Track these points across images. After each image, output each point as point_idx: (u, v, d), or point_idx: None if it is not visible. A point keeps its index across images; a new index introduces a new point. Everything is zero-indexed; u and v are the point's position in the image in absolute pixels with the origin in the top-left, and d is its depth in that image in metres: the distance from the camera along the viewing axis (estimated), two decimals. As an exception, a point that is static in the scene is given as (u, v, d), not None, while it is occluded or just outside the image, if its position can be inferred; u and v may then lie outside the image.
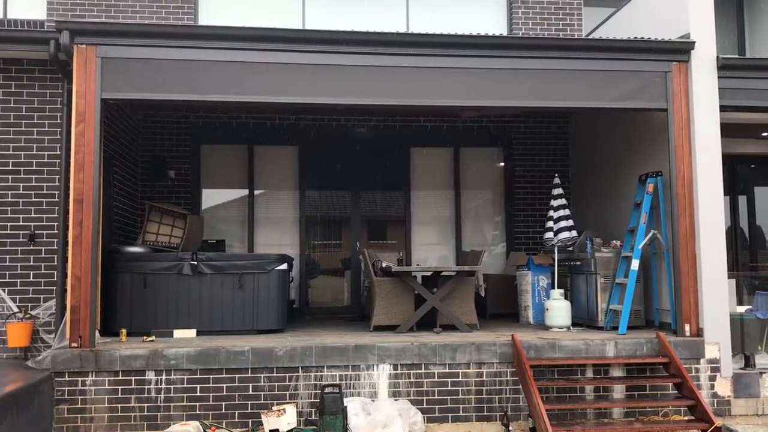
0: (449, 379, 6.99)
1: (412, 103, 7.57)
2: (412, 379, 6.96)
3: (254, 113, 10.74)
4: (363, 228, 11.23)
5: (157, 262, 7.98)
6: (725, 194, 7.77)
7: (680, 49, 7.72)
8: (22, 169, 7.67)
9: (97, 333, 6.95)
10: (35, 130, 7.72)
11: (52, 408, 6.52)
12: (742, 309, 8.14)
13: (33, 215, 7.64)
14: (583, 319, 8.74)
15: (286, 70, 7.28)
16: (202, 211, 10.74)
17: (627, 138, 9.27)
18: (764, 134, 9.28)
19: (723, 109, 7.75)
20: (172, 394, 6.69)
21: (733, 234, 9.70)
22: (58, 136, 7.65)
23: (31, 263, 7.60)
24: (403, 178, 11.17)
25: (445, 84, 7.45)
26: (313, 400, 6.81)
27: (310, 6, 10.87)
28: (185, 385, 6.71)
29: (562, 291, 8.58)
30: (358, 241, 11.08)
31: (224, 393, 6.74)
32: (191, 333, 7.79)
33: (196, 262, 7.96)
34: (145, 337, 7.48)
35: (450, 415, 6.96)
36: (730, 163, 9.23)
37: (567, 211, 9.01)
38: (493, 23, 11.17)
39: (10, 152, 7.67)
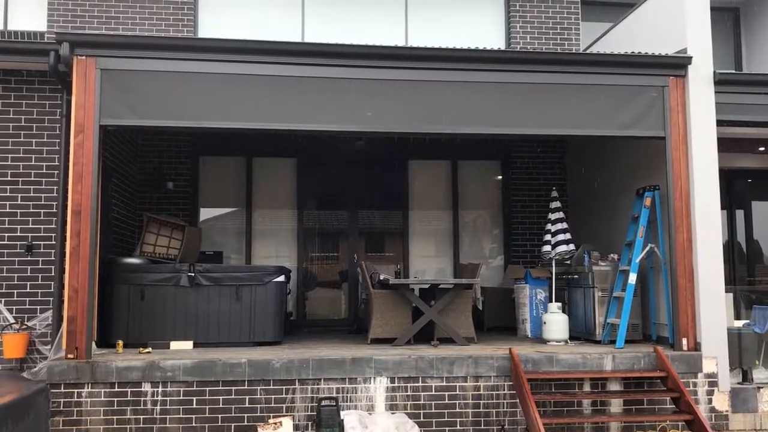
0: (446, 393, 6.97)
1: (413, 130, 7.71)
2: (409, 393, 6.95)
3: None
4: (361, 240, 11.23)
5: (154, 273, 7.96)
6: (722, 208, 7.80)
7: (677, 64, 7.77)
8: (20, 179, 7.67)
9: (93, 344, 6.93)
10: (34, 140, 7.73)
11: (48, 420, 6.49)
12: (739, 323, 8.13)
13: (31, 226, 7.63)
14: (580, 333, 8.73)
15: (284, 86, 7.30)
16: (200, 222, 10.73)
17: (624, 151, 9.29)
18: (761, 149, 9.32)
19: (720, 123, 7.79)
20: (168, 407, 6.66)
21: (730, 248, 9.72)
22: (57, 147, 7.65)
23: (28, 274, 7.58)
24: (401, 190, 11.19)
25: (440, 110, 7.49)
26: (309, 413, 6.79)
27: (309, 20, 10.92)
28: (181, 398, 6.69)
29: (559, 304, 8.57)
30: (355, 253, 11.07)
31: (221, 405, 6.72)
32: (188, 345, 7.77)
33: (193, 274, 7.95)
34: (141, 349, 7.45)
35: (447, 428, 6.93)
36: (727, 177, 9.26)
37: (565, 225, 9.02)
38: (492, 39, 11.23)
39: (9, 162, 7.67)
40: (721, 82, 7.80)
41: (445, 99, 7.49)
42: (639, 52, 7.96)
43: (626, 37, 9.50)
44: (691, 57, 7.73)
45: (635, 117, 7.66)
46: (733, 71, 11.46)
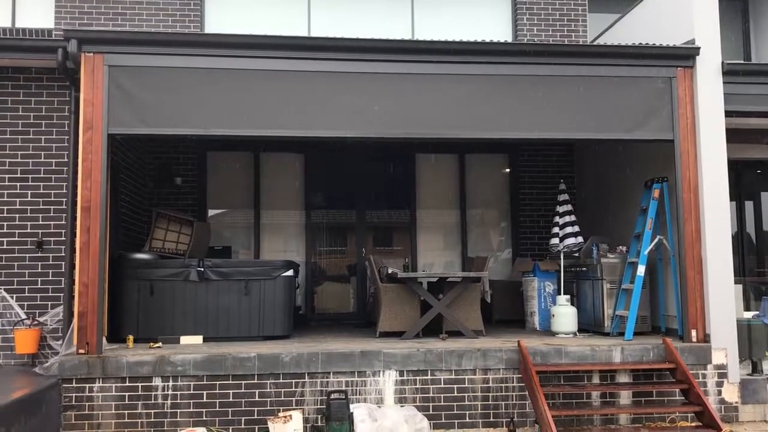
0: (455, 386, 6.99)
1: (420, 135, 7.61)
2: (418, 386, 6.97)
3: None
4: (368, 234, 11.24)
5: (164, 268, 8.01)
6: (731, 199, 7.76)
7: (685, 55, 7.72)
8: (30, 176, 7.72)
9: (104, 339, 6.98)
10: (43, 137, 7.77)
11: (60, 414, 6.54)
12: (749, 315, 8.11)
13: (41, 222, 7.68)
14: (589, 325, 8.72)
15: (292, 83, 7.29)
16: (208, 217, 10.77)
17: (633, 143, 9.24)
18: (770, 140, 9.27)
19: (728, 114, 7.75)
20: (178, 401, 6.71)
21: (739, 239, 9.68)
22: (66, 144, 7.69)
23: (39, 270, 7.63)
24: (409, 183, 11.19)
25: (447, 111, 7.45)
26: (319, 407, 6.82)
27: (315, 16, 10.92)
28: (192, 392, 6.73)
29: (568, 297, 8.57)
30: (363, 247, 11.09)
31: (231, 399, 6.76)
32: (198, 339, 7.81)
33: (202, 269, 7.98)
34: (151, 344, 7.50)
35: (456, 421, 6.95)
36: (736, 168, 9.22)
37: (573, 217, 9.01)
38: (498, 32, 11.19)
39: (18, 160, 7.72)
40: (729, 72, 7.75)
41: (453, 98, 7.45)
42: (646, 43, 7.92)
43: (633, 28, 9.45)
44: (699, 48, 7.69)
45: (644, 112, 7.60)
46: (742, 61, 11.38)
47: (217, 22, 10.74)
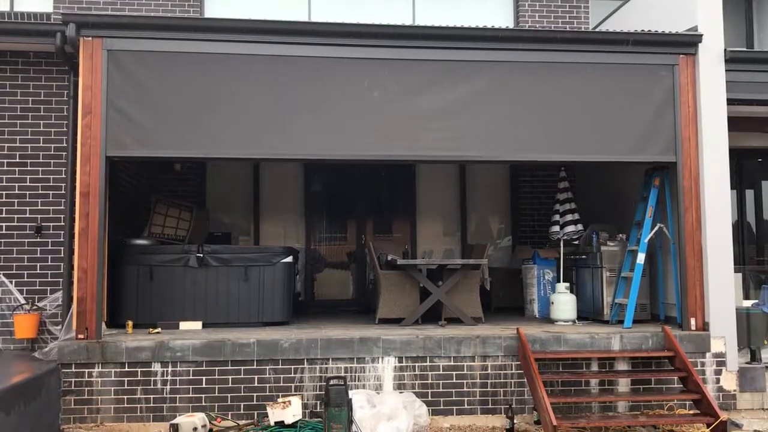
0: (454, 372, 7.00)
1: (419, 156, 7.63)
2: (417, 372, 6.98)
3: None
4: (368, 221, 11.22)
5: (163, 254, 8.00)
6: (732, 188, 7.75)
7: (687, 42, 7.67)
8: (28, 161, 7.69)
9: (103, 325, 6.98)
10: (42, 122, 7.73)
11: (59, 399, 6.56)
12: (748, 303, 8.11)
13: (40, 207, 7.66)
14: (588, 313, 8.73)
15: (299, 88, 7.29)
16: (208, 203, 10.74)
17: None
18: (772, 128, 9.23)
19: (730, 102, 7.71)
20: (178, 386, 6.72)
21: (739, 228, 9.67)
22: (65, 129, 7.66)
23: (38, 255, 7.62)
24: (409, 171, 11.15)
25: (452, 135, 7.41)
26: (318, 393, 6.83)
27: (316, 3, 10.84)
28: (191, 377, 6.74)
29: (567, 285, 8.57)
30: (363, 234, 11.08)
31: (230, 385, 6.77)
32: (197, 325, 7.82)
33: (202, 255, 7.98)
34: (151, 329, 7.50)
35: (455, 407, 6.97)
36: (737, 157, 9.18)
37: (573, 205, 9.00)
38: (500, 20, 11.10)
39: (17, 144, 7.68)
40: (732, 60, 7.71)
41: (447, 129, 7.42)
42: (648, 30, 7.86)
43: (636, 14, 9.39)
44: (702, 35, 7.64)
45: (646, 120, 7.60)
46: (745, 49, 11.32)
47: (216, 9, 10.66)
